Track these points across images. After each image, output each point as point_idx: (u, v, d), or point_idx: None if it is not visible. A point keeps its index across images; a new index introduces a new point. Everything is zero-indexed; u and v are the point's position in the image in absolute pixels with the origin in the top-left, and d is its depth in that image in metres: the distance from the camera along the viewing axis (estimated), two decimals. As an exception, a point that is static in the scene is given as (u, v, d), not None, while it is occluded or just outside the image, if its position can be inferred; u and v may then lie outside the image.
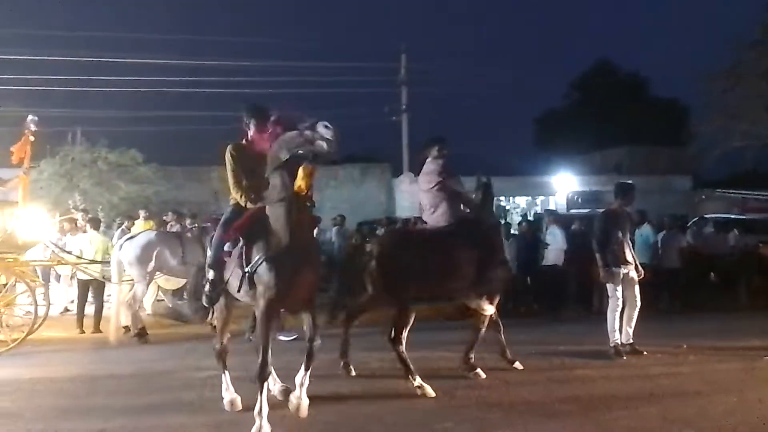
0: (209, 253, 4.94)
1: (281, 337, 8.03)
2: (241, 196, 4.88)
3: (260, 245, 4.45)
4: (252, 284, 4.45)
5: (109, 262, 8.65)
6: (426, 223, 6.23)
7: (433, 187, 6.04)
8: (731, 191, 19.66)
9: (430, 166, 6.17)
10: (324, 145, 4.13)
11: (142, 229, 9.90)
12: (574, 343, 7.49)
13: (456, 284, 5.79)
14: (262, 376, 4.40)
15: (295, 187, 4.25)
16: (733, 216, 16.07)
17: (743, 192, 19.47)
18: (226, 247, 4.72)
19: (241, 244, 4.61)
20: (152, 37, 34.62)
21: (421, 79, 23.28)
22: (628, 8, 73.22)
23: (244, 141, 5.07)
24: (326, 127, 4.14)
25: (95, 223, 9.68)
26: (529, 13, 75.02)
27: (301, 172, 4.22)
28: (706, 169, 23.16)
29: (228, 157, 4.91)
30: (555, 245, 10.57)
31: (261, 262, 4.38)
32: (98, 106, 20.28)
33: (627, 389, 5.60)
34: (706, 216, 14.78)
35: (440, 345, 7.22)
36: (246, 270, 4.46)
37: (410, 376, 5.40)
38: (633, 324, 7.04)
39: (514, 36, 69.34)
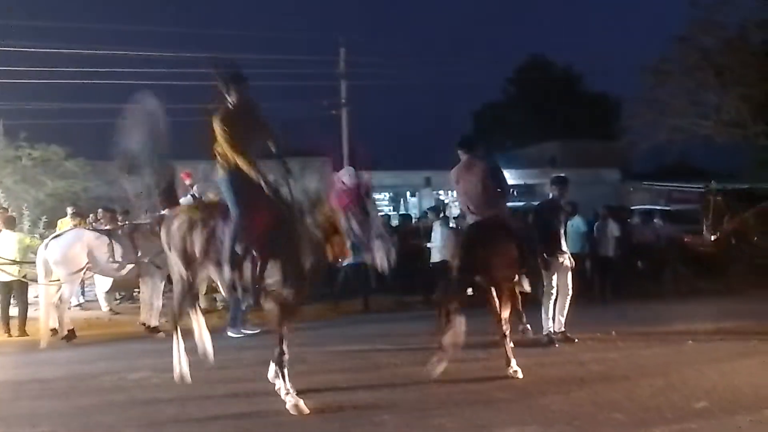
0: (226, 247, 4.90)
1: (245, 331, 8.01)
2: (241, 160, 4.92)
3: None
4: None
5: (32, 262, 8.28)
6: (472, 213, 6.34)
7: (484, 181, 6.20)
8: (658, 183, 20.53)
9: (477, 163, 6.31)
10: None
11: (69, 226, 9.51)
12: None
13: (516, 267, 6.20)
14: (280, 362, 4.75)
15: None
16: (658, 207, 16.81)
17: (669, 184, 20.37)
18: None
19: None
20: (78, 25, 33.03)
21: (361, 72, 23.22)
22: (563, 3, 75.23)
23: (229, 107, 5.07)
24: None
25: (10, 223, 9.16)
26: (467, 6, 76.01)
27: None
28: (634, 162, 24.12)
29: (219, 123, 4.95)
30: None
31: None
32: (20, 98, 19.22)
33: (559, 375, 5.79)
34: (632, 207, 15.40)
35: (377, 338, 7.27)
36: None
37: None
38: (565, 312, 7.29)
39: (453, 30, 70.08)
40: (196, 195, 8.60)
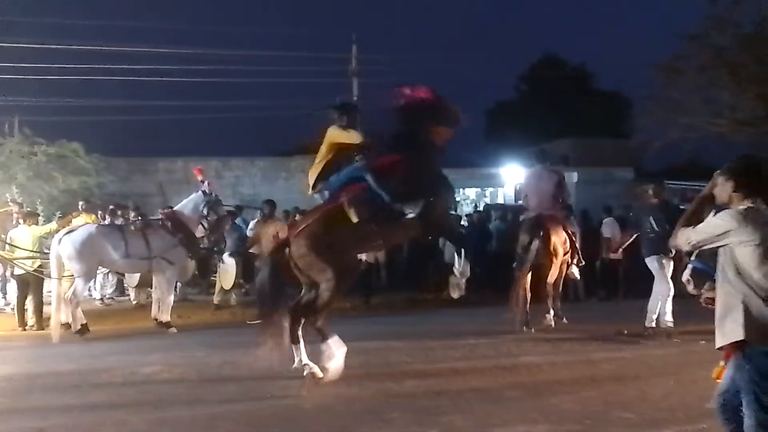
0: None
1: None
2: None
3: None
4: None
5: (47, 255, 8.37)
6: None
7: (552, 189, 7.98)
8: (671, 182, 20.34)
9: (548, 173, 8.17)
10: None
11: (83, 222, 9.59)
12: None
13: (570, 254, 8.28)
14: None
15: None
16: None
17: (682, 183, 20.18)
18: None
19: None
20: (92, 23, 33.32)
21: (373, 70, 23.16)
22: (575, 1, 74.79)
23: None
24: None
25: (31, 217, 9.33)
26: (481, 5, 75.78)
27: None
28: (647, 161, 23.91)
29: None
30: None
31: None
32: (37, 94, 19.40)
33: (571, 374, 5.76)
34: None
35: (389, 335, 7.27)
36: None
37: None
38: (658, 309, 7.59)
39: (465, 28, 69.88)
40: (207, 191, 8.64)
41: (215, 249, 9.65)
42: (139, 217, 9.33)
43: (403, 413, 4.63)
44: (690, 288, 3.65)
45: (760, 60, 18.99)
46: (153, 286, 8.73)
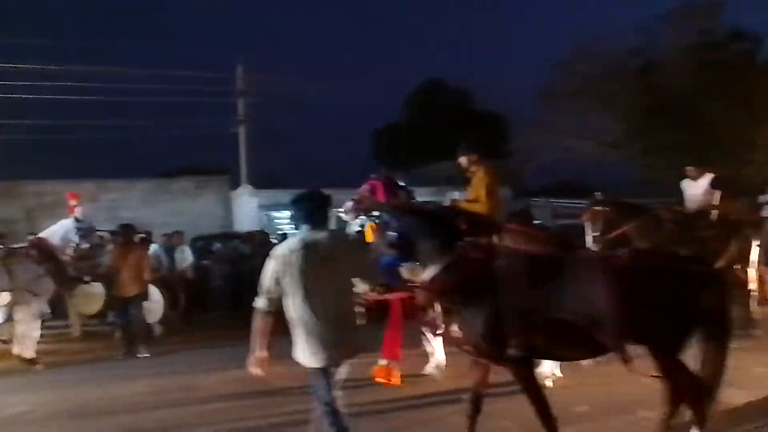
0: None
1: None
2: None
3: None
4: None
5: None
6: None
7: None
8: (546, 200, 21.64)
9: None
10: None
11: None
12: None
13: None
14: None
15: None
16: (545, 223, 17.71)
17: (555, 200, 21.52)
18: None
19: None
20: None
21: (260, 90, 22.89)
22: (458, 26, 78.35)
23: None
24: None
25: None
26: (367, 27, 77.37)
27: None
28: (525, 180, 25.28)
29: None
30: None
31: None
32: None
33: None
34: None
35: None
36: None
37: None
38: None
39: (352, 51, 70.99)
40: (80, 218, 8.14)
41: (86, 279, 9.06)
42: (1, 246, 8.61)
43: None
44: None
45: (623, 86, 20.81)
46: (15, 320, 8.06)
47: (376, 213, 5.91)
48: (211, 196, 20.54)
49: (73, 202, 8.30)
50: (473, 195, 6.16)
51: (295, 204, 3.90)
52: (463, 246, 4.21)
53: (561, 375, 5.95)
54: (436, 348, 6.34)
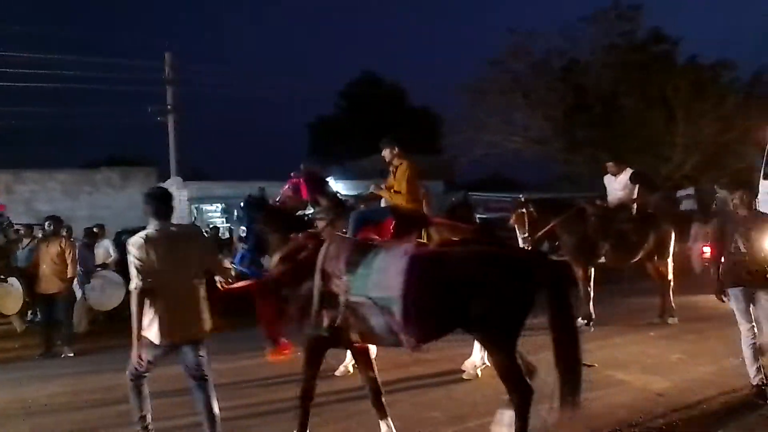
0: None
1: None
2: None
3: None
4: None
5: None
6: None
7: None
8: (476, 194, 22.09)
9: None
10: None
11: None
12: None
13: None
14: None
15: None
16: (478, 215, 18.06)
17: (486, 194, 22.00)
18: None
19: None
20: None
21: (188, 79, 22.25)
22: (393, 21, 78.62)
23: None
24: None
25: None
26: (301, 19, 76.46)
27: None
28: (457, 175, 25.75)
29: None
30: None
31: None
32: None
33: (383, 378, 5.98)
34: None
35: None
36: None
37: None
38: None
39: (287, 44, 70.08)
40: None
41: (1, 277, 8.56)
42: None
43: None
44: None
45: (548, 86, 21.46)
46: None
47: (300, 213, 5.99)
48: (137, 187, 19.82)
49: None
50: (396, 186, 6.13)
51: (146, 199, 4.27)
52: (300, 236, 4.55)
53: (488, 364, 6.08)
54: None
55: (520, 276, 3.84)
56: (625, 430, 4.57)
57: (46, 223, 8.46)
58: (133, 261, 4.03)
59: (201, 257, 4.30)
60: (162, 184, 20.72)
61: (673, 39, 21.87)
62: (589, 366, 6.10)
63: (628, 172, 8.58)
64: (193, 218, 18.85)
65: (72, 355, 7.93)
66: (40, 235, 8.77)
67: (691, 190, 14.30)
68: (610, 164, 8.80)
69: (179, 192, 19.73)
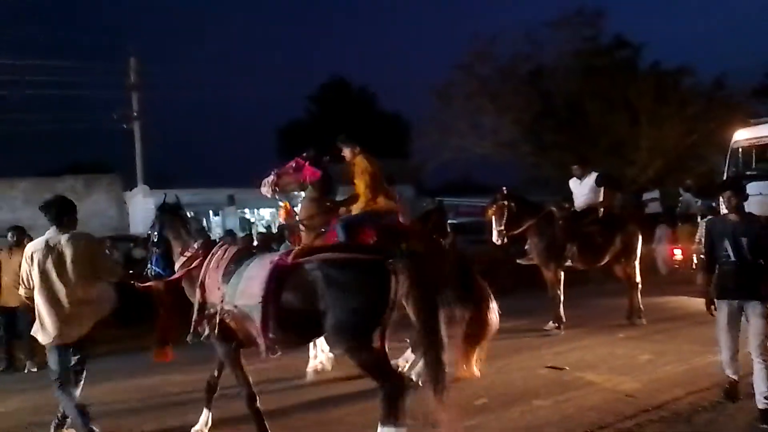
0: None
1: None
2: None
3: None
4: None
5: None
6: None
7: None
8: (447, 198, 22.20)
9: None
10: None
11: None
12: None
13: None
14: None
15: None
16: (449, 221, 18.17)
17: (457, 199, 22.12)
18: None
19: None
20: None
21: (154, 84, 21.92)
22: (362, 27, 78.77)
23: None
24: None
25: None
26: (269, 24, 76.08)
27: None
28: (426, 179, 25.82)
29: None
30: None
31: None
32: None
33: (355, 386, 5.93)
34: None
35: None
36: None
37: None
38: None
39: (255, 46, 69.61)
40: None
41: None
42: None
43: None
44: None
45: (516, 90, 21.65)
46: None
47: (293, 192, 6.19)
48: (102, 195, 19.46)
49: None
50: (356, 189, 6.16)
51: (45, 208, 4.63)
52: (196, 245, 4.76)
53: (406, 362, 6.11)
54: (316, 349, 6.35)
55: (370, 275, 3.91)
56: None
57: (9, 234, 8.15)
58: (21, 269, 4.60)
59: (91, 263, 4.62)
60: (128, 192, 20.38)
61: (636, 45, 22.30)
62: (559, 369, 6.24)
63: (594, 175, 8.70)
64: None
65: (35, 369, 7.68)
66: None
67: (656, 193, 14.58)
68: (575, 167, 8.90)
69: (146, 200, 19.41)
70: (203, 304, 4.41)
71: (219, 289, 4.30)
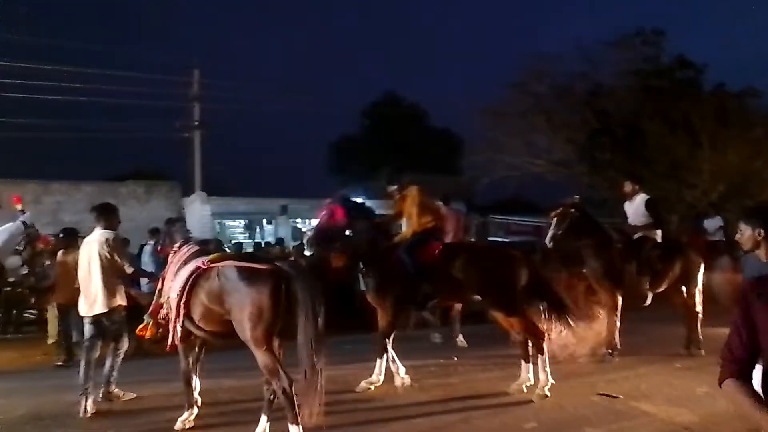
0: None
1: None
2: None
3: None
4: None
5: None
6: None
7: None
8: (498, 216, 21.97)
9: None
10: None
11: None
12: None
13: None
14: None
15: None
16: (499, 239, 18.03)
17: (507, 217, 21.86)
18: None
19: None
20: None
21: (216, 96, 22.52)
22: (412, 44, 79.41)
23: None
24: None
25: None
26: (326, 40, 77.48)
27: None
28: (477, 196, 25.65)
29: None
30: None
31: None
32: None
33: (404, 400, 5.94)
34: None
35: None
36: None
37: None
38: None
39: (310, 62, 70.92)
40: (27, 222, 7.66)
41: (31, 286, 8.65)
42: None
43: None
44: None
45: (571, 108, 21.39)
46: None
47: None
48: (162, 201, 20.10)
49: (18, 206, 7.64)
50: (405, 213, 6.81)
51: (91, 211, 6.12)
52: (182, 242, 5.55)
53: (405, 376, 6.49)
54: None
55: (262, 283, 4.51)
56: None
57: (61, 235, 8.66)
58: None
59: (111, 259, 5.87)
60: (186, 198, 20.98)
61: (698, 65, 21.75)
62: (612, 397, 6.08)
63: (644, 197, 8.38)
64: (216, 233, 19.01)
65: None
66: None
67: (718, 220, 13.99)
68: (626, 182, 8.62)
69: (203, 207, 19.96)
70: (160, 291, 5.31)
71: (171, 281, 5.08)
